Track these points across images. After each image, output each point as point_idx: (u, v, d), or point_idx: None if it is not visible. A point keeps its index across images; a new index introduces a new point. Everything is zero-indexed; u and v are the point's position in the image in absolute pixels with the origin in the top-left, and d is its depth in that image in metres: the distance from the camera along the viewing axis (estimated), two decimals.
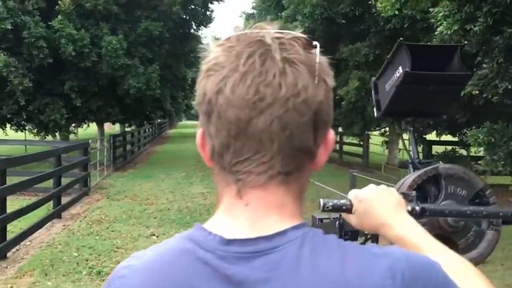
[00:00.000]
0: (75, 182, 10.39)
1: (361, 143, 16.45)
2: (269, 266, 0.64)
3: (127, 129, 24.29)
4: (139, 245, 6.92)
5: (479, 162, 7.42)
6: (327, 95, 0.69)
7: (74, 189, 10.43)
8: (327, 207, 1.00)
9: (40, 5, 14.86)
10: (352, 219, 0.99)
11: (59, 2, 14.84)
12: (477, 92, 6.50)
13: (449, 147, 11.53)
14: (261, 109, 0.64)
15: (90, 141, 12.91)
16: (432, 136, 11.96)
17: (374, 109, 2.07)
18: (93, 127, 23.60)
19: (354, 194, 0.99)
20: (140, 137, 23.54)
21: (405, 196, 1.04)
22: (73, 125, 21.26)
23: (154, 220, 8.60)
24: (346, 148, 18.66)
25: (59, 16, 14.71)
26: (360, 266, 0.65)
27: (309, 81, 0.66)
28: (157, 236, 7.46)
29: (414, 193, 1.16)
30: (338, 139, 19.20)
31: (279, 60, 0.64)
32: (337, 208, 1.00)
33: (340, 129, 18.26)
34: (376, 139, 17.91)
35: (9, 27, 13.45)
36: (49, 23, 14.69)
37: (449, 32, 6.11)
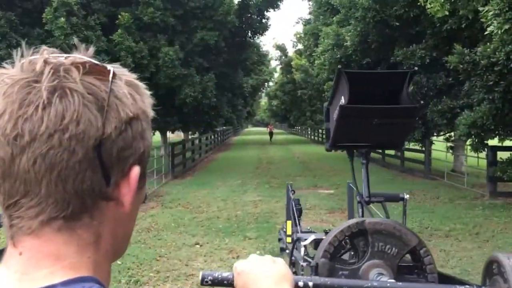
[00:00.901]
0: None
1: (423, 149, 15.78)
2: None
3: (192, 137, 24.83)
4: (181, 254, 7.00)
5: None
6: (123, 127, 0.61)
7: None
8: (206, 282, 0.90)
9: (102, 20, 15.56)
10: None
11: (119, 16, 15.47)
12: None
13: None
14: (22, 147, 0.57)
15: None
16: (495, 141, 11.24)
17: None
18: (158, 135, 24.36)
19: (235, 265, 0.90)
20: (201, 144, 24.06)
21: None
22: None
23: (201, 228, 8.68)
24: (407, 154, 17.98)
25: (119, 30, 15.32)
26: None
27: (87, 113, 0.58)
28: (200, 245, 7.51)
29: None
30: None
31: (46, 89, 0.57)
32: (217, 282, 0.90)
33: None
34: (439, 145, 17.15)
35: (73, 42, 14.12)
36: (110, 37, 15.34)
37: (499, 32, 5.71)
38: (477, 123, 9.72)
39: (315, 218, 9.40)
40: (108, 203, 0.62)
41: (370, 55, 14.58)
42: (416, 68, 1.57)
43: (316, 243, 2.02)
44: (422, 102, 1.80)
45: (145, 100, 0.65)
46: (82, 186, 0.59)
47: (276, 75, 56.11)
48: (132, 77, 0.66)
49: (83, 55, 0.62)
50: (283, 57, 48.19)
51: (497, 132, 10.17)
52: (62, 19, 13.87)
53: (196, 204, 11.14)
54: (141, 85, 0.67)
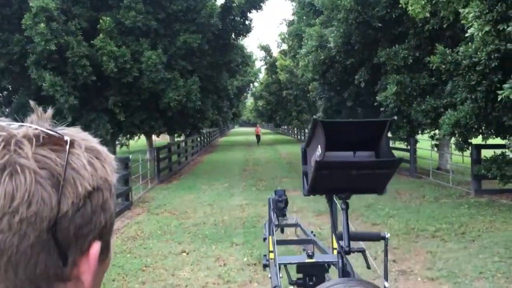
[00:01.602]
0: (116, 197, 10.58)
1: (408, 147, 15.86)
2: None
3: (178, 139, 24.68)
4: (167, 263, 6.92)
5: None
6: (81, 203, 0.56)
7: (117, 203, 10.65)
8: None
9: (83, 25, 15.37)
10: None
11: (101, 21, 15.29)
12: None
13: (499, 151, 10.85)
14: None
15: (130, 156, 13.19)
16: (479, 139, 11.32)
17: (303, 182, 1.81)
18: (144, 139, 24.15)
19: None
20: (187, 147, 23.93)
21: None
22: (122, 137, 21.92)
23: (188, 235, 8.60)
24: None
25: (101, 35, 15.14)
26: None
27: (40, 191, 0.53)
28: (187, 253, 7.44)
29: None
30: None
31: None
32: None
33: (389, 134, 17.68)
34: (424, 143, 17.25)
35: (53, 48, 13.96)
36: (92, 42, 15.15)
37: (480, 34, 5.72)
38: (460, 123, 9.79)
39: (302, 220, 9.36)
40: (65, 284, 0.58)
41: (354, 56, 14.62)
42: (396, 118, 1.52)
43: (298, 266, 1.99)
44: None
45: (107, 168, 0.61)
46: (35, 271, 0.55)
47: (261, 75, 56.09)
48: (93, 142, 0.62)
49: (40, 121, 0.58)
50: (268, 57, 48.17)
51: (480, 131, 10.24)
52: (42, 24, 13.68)
53: (182, 210, 11.05)
54: (103, 150, 0.62)
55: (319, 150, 1.59)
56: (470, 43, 9.37)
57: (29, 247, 0.53)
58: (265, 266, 2.21)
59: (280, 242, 2.54)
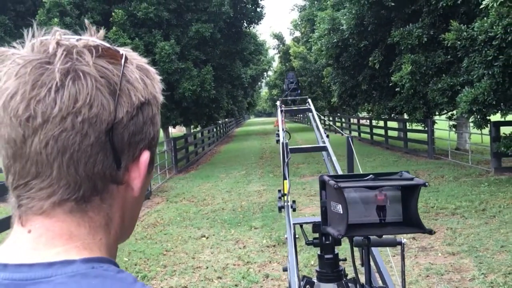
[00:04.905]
0: None
1: (425, 129, 15.68)
2: None
3: (194, 131, 24.81)
4: (188, 247, 6.99)
5: None
6: (134, 112, 0.61)
7: None
8: None
9: (96, 19, 15.48)
10: None
11: (113, 13, 15.38)
12: None
13: None
14: (34, 129, 0.56)
15: None
16: (497, 116, 11.14)
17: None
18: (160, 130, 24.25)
19: None
20: (203, 137, 24.03)
21: None
22: None
23: (206, 221, 8.67)
24: (410, 135, 17.91)
25: (114, 28, 15.24)
26: None
27: (100, 96, 0.58)
28: (206, 238, 7.51)
29: None
30: (401, 126, 18.47)
31: (59, 72, 0.57)
32: None
33: (405, 116, 17.48)
34: (442, 124, 17.05)
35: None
36: (105, 35, 15.23)
37: (495, 5, 5.61)
38: (478, 99, 9.63)
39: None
40: (118, 187, 0.63)
41: (367, 38, 14.45)
42: (427, 184, 1.30)
43: (314, 225, 1.99)
44: None
45: (156, 86, 0.66)
46: (93, 170, 0.59)
47: (274, 64, 55.89)
48: (143, 61, 0.67)
49: (95, 38, 0.62)
50: (281, 45, 47.94)
51: (499, 107, 10.07)
52: (56, 19, 13.81)
53: (200, 197, 11.14)
54: (152, 70, 0.67)
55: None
56: (485, 18, 9.20)
57: (89, 146, 0.58)
58: (280, 208, 2.22)
59: (293, 150, 2.48)
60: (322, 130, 2.71)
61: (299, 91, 2.91)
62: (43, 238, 0.59)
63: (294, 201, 2.18)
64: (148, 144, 0.65)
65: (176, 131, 34.42)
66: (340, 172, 2.30)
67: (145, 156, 0.64)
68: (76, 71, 0.57)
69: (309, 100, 3.10)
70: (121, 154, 0.61)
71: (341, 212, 1.34)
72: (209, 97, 17.31)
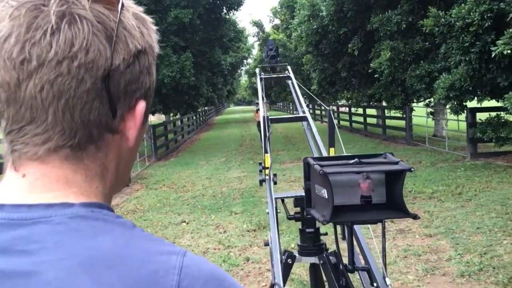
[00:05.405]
0: None
1: (404, 116, 15.88)
2: (33, 237, 0.55)
3: (173, 118, 24.66)
4: (168, 232, 6.98)
5: None
6: (131, 60, 0.60)
7: None
8: None
9: None
10: None
11: None
12: (509, 51, 6.03)
13: (494, 114, 10.87)
14: (29, 72, 0.55)
15: None
16: (473, 103, 11.32)
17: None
18: None
19: None
20: (183, 125, 23.90)
21: None
22: None
23: (187, 207, 8.65)
24: (388, 122, 18.11)
25: None
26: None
27: (96, 42, 0.56)
28: (187, 223, 7.49)
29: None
30: (380, 113, 18.64)
31: (54, 14, 0.55)
32: None
33: (384, 103, 17.67)
34: (420, 110, 17.25)
35: None
36: None
37: None
38: (455, 86, 9.77)
39: (300, 189, 9.43)
40: (113, 135, 0.62)
41: (347, 25, 14.50)
42: (412, 169, 1.26)
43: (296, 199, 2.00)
44: None
45: (152, 35, 0.65)
46: (89, 116, 0.58)
47: (254, 51, 55.76)
48: (139, 10, 0.65)
49: None
50: (261, 33, 47.82)
51: (475, 93, 10.22)
52: None
53: (180, 184, 11.10)
54: (148, 19, 0.65)
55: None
56: (463, 4, 9.30)
57: (85, 93, 0.57)
58: (261, 181, 2.20)
59: (273, 120, 2.46)
60: (302, 99, 2.70)
61: (278, 59, 2.92)
62: (39, 182, 0.58)
63: (275, 175, 2.17)
64: (144, 94, 0.64)
65: (155, 118, 34.17)
66: (320, 144, 2.29)
67: (141, 105, 0.63)
68: (72, 14, 0.55)
69: (289, 68, 3.09)
70: (117, 102, 0.60)
71: (326, 197, 1.33)
72: (189, 84, 17.20)
